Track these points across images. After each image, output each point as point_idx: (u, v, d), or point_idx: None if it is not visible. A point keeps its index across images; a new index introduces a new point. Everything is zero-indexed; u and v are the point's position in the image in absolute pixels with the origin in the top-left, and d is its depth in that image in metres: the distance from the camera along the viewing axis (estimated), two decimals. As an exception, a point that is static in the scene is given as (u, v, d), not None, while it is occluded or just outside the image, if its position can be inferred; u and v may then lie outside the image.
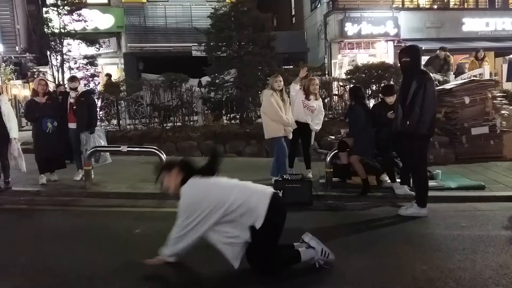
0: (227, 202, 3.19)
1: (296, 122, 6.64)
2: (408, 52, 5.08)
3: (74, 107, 6.90)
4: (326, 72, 14.91)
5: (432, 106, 4.86)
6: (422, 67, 5.15)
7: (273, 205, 3.26)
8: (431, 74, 5.19)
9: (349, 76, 10.75)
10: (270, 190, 3.42)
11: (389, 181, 6.05)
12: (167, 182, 3.38)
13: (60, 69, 12.45)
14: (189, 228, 3.22)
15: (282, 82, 6.44)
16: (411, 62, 4.98)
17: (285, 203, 3.52)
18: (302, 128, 6.74)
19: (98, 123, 8.70)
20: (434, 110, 4.95)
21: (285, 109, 6.38)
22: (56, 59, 12.48)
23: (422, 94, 4.75)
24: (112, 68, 17.18)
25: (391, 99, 5.77)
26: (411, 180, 5.58)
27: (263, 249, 3.30)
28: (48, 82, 8.13)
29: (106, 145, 7.34)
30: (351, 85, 9.48)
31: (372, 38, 15.78)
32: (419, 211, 5.01)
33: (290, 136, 6.55)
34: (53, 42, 12.37)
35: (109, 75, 13.83)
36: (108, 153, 7.27)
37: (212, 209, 3.18)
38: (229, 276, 3.39)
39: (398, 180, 5.91)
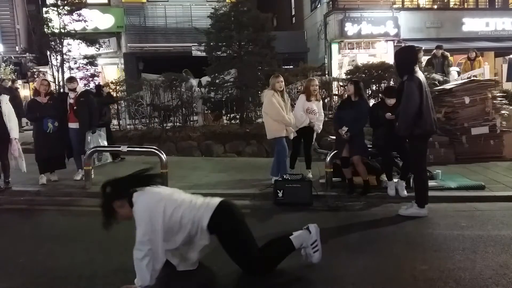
0: (175, 217, 3.12)
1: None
2: (396, 54, 5.28)
3: (74, 108, 6.90)
4: (326, 72, 14.90)
5: (409, 106, 4.79)
6: (412, 66, 4.98)
7: (219, 215, 3.18)
8: (420, 73, 5.11)
9: (349, 76, 10.75)
10: (214, 201, 3.28)
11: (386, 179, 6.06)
12: (121, 216, 3.20)
13: (60, 69, 12.44)
14: (150, 244, 3.03)
15: (283, 83, 6.44)
16: (396, 64, 5.21)
17: (236, 209, 3.36)
18: (305, 130, 6.75)
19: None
20: (413, 110, 4.80)
21: (286, 109, 6.38)
22: (56, 59, 12.46)
23: (404, 95, 4.85)
24: (112, 68, 17.18)
25: (391, 101, 5.76)
26: (411, 180, 5.58)
27: (237, 257, 3.29)
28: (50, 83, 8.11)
29: (107, 144, 7.35)
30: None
31: (372, 38, 15.76)
32: (419, 211, 5.01)
33: (291, 136, 6.56)
34: (53, 42, 12.35)
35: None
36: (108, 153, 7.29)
37: (163, 221, 3.08)
38: (229, 278, 3.40)
39: (395, 180, 5.91)
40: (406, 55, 5.13)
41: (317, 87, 6.90)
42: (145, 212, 3.07)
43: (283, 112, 6.26)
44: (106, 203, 3.17)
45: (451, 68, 11.72)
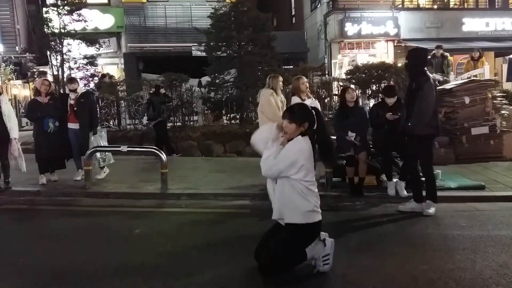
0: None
1: None
2: (410, 55, 5.24)
3: (75, 108, 6.88)
4: (326, 72, 14.90)
5: (427, 105, 4.90)
6: (424, 67, 5.16)
7: (318, 223, 3.52)
8: (430, 74, 5.22)
9: (349, 76, 10.74)
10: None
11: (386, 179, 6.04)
12: (288, 128, 3.39)
13: (60, 69, 12.45)
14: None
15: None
16: (410, 64, 5.17)
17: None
18: None
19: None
20: (431, 111, 4.95)
21: (283, 109, 6.35)
22: (56, 59, 12.47)
23: (420, 95, 4.86)
24: (112, 68, 17.19)
25: (391, 100, 5.75)
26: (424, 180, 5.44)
27: (281, 249, 3.30)
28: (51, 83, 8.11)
29: (107, 145, 7.35)
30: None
31: (372, 38, 15.77)
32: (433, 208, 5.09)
33: None
34: (53, 42, 12.36)
35: (107, 75, 12.91)
36: (110, 153, 7.30)
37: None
38: (231, 279, 3.40)
39: (395, 180, 5.90)
40: (418, 55, 5.21)
41: (307, 83, 6.46)
42: (296, 154, 3.34)
43: (279, 112, 6.22)
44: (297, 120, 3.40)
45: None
